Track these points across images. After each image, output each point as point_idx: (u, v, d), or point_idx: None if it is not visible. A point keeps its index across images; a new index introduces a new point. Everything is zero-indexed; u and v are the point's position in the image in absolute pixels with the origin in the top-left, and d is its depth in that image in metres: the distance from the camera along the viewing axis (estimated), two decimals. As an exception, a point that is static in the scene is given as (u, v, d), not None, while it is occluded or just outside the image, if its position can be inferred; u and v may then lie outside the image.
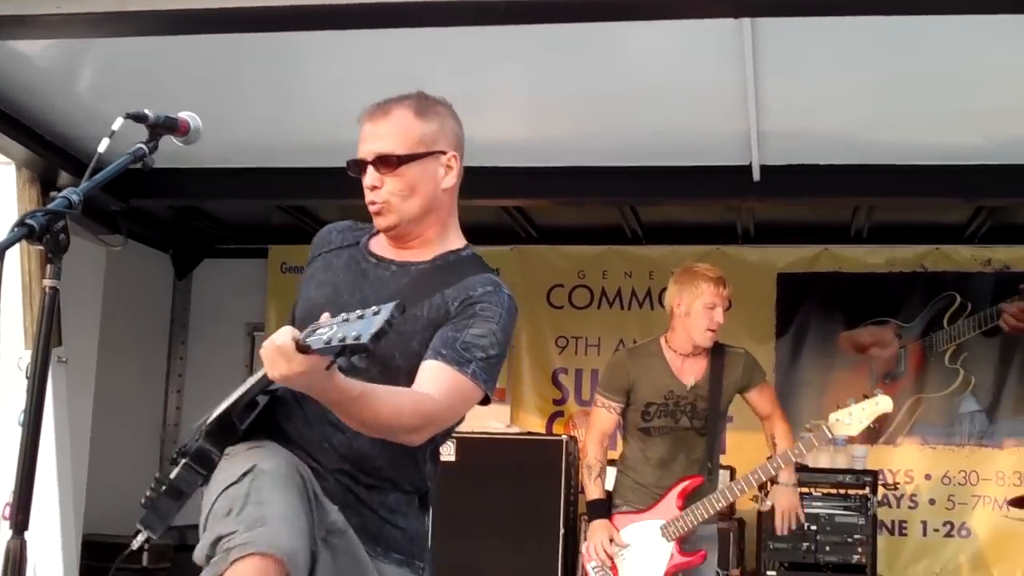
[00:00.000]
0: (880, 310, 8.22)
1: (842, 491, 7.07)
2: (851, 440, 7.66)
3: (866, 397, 4.94)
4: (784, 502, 5.19)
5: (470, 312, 2.80)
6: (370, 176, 2.83)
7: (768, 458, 5.19)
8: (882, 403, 4.91)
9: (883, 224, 7.97)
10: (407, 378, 2.74)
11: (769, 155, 5.99)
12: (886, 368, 8.15)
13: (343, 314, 2.32)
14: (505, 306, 2.85)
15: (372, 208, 2.87)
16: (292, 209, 7.72)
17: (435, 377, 2.72)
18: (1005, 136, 5.70)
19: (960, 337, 8.15)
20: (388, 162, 2.81)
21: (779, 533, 5.29)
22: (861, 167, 6.11)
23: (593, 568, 5.12)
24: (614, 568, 5.06)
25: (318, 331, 2.33)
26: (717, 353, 5.22)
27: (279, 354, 2.37)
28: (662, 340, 5.24)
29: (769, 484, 5.28)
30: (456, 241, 3.01)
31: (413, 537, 2.95)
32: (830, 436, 4.97)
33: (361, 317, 2.28)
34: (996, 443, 8.08)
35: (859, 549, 6.90)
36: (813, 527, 6.91)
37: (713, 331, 5.09)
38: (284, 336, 2.38)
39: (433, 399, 2.69)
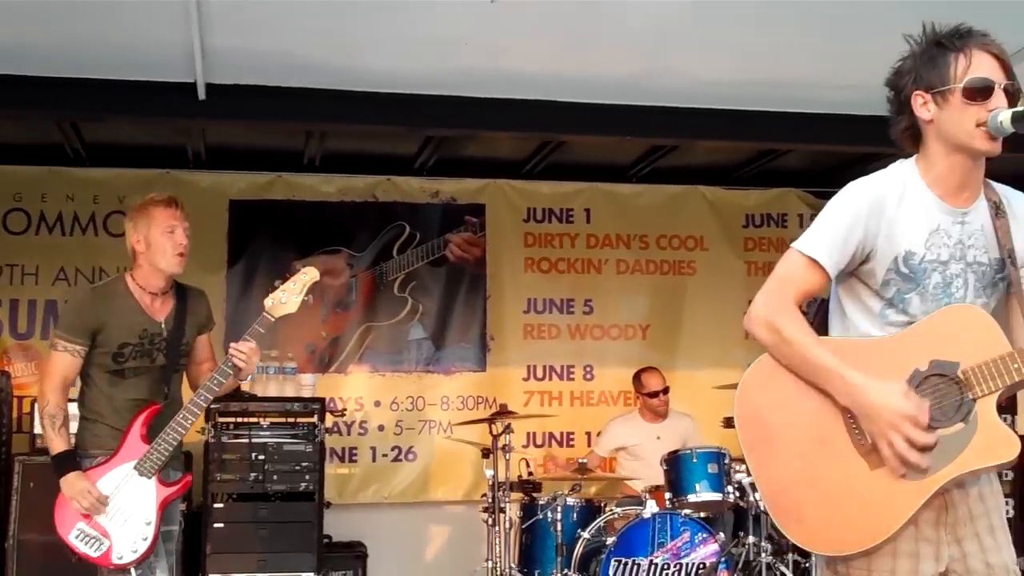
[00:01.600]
0: (332, 239, 8.25)
1: (290, 420, 7.01)
2: (301, 369, 7.70)
3: (291, 275, 4.92)
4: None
5: None
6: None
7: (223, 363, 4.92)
8: (309, 273, 4.86)
9: (336, 152, 7.98)
10: None
11: (216, 73, 5.74)
12: (337, 297, 8.21)
13: None
14: None
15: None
16: None
17: None
18: (448, 66, 5.82)
19: (409, 267, 8.37)
20: None
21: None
22: (311, 91, 6.04)
23: (77, 537, 4.63)
24: (98, 527, 4.62)
25: None
26: (181, 291, 4.94)
27: None
28: (127, 278, 4.85)
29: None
30: None
31: None
32: (272, 318, 4.85)
33: None
34: (442, 369, 8.41)
35: (307, 477, 6.88)
36: (261, 456, 6.83)
37: (182, 254, 4.79)
38: None
39: None
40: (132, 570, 4.62)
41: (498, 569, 6.78)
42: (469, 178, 8.51)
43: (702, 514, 6.53)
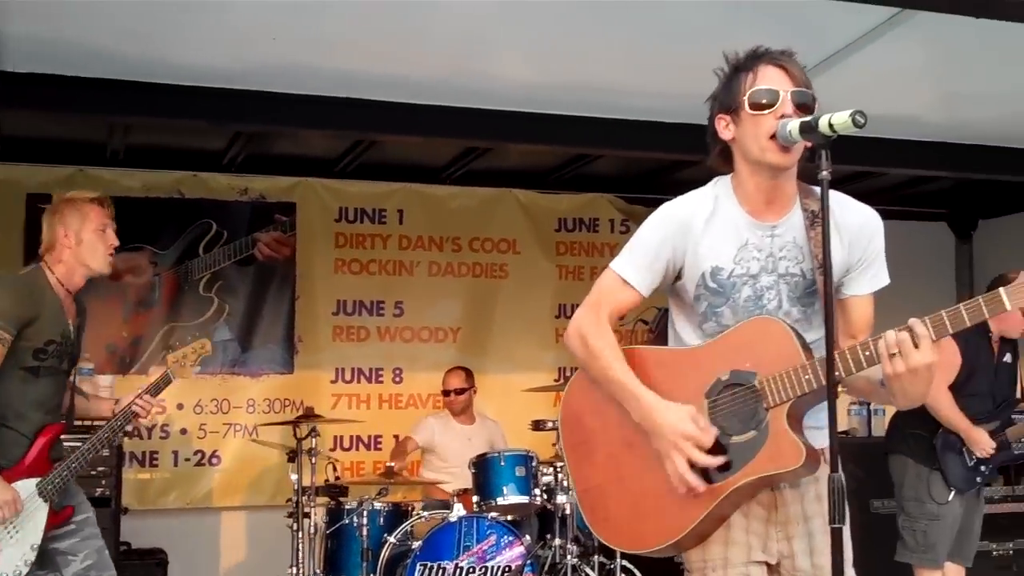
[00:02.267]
0: (135, 236, 7.93)
1: (86, 423, 6.72)
2: (99, 370, 7.45)
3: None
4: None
5: None
6: None
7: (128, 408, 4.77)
8: (201, 349, 5.06)
9: (141, 146, 7.72)
10: None
11: (10, 61, 5.46)
12: (139, 296, 7.95)
13: None
14: None
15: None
16: None
17: None
18: (257, 61, 5.67)
19: (216, 265, 8.17)
20: None
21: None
22: (113, 82, 5.77)
23: None
24: None
25: None
26: (77, 297, 4.77)
27: None
28: (46, 271, 4.59)
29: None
30: None
31: None
32: (173, 379, 4.83)
33: None
34: (249, 371, 8.24)
35: (103, 482, 6.66)
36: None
37: (112, 254, 4.71)
38: None
39: None
40: None
41: (302, 575, 6.66)
42: (279, 176, 8.34)
43: (509, 517, 6.56)
